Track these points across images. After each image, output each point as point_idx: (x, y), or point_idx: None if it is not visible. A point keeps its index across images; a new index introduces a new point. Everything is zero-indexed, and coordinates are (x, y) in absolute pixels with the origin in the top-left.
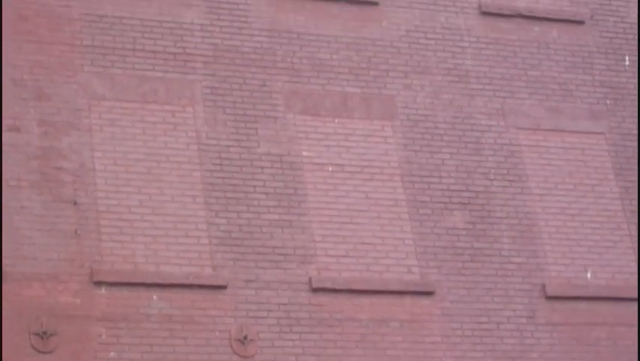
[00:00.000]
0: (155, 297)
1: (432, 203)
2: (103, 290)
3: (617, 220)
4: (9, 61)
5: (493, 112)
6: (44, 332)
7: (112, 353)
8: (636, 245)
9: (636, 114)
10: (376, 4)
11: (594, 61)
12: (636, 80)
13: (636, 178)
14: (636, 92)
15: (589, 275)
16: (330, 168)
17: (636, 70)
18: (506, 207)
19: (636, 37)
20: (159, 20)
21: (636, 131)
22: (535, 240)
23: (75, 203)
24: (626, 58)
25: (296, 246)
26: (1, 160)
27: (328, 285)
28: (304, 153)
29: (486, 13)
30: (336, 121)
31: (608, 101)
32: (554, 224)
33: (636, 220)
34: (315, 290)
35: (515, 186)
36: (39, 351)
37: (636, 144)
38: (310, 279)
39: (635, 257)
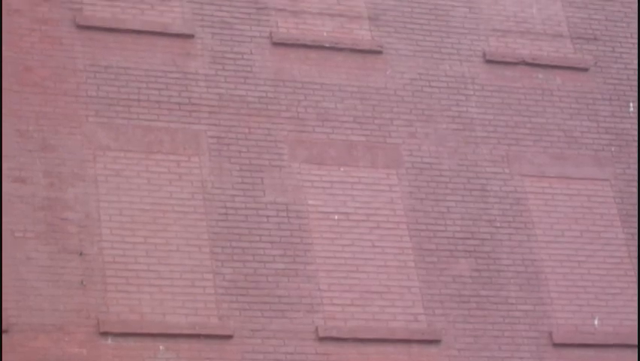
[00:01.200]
0: (161, 347)
1: (438, 251)
2: (109, 341)
3: (624, 267)
4: (14, 112)
5: (497, 159)
6: None
7: None
8: None
9: None
10: (380, 52)
11: (598, 108)
12: None
13: None
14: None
15: (596, 322)
16: (336, 217)
17: None
18: (512, 255)
19: None
20: (164, 70)
21: None
22: (541, 287)
23: (81, 254)
24: (631, 104)
25: (302, 295)
26: (1, 209)
27: (334, 334)
28: (310, 202)
29: (490, 61)
30: (342, 170)
31: (612, 148)
32: (561, 271)
33: None
34: (322, 339)
35: (521, 233)
36: None
37: None
38: (317, 328)
39: None
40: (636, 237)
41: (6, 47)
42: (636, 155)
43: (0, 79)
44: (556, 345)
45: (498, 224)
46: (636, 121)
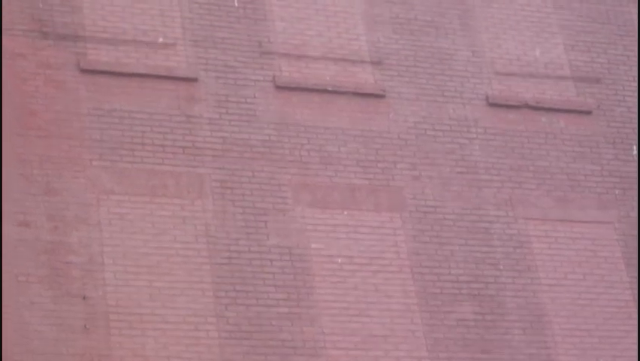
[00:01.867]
0: None
1: (442, 294)
2: None
3: (628, 310)
4: (18, 155)
5: (501, 202)
6: None
7: None
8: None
9: None
10: (383, 96)
11: (602, 150)
12: None
13: None
14: None
15: (537, 53)
16: (339, 260)
17: None
18: (516, 298)
19: None
20: (168, 114)
21: None
22: (545, 330)
23: (84, 298)
24: (634, 147)
25: (305, 338)
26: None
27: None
28: (313, 246)
29: (493, 105)
30: (345, 213)
31: (616, 191)
32: (564, 314)
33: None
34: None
35: (525, 276)
36: None
37: None
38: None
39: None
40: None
41: (10, 90)
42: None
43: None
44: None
45: (502, 267)
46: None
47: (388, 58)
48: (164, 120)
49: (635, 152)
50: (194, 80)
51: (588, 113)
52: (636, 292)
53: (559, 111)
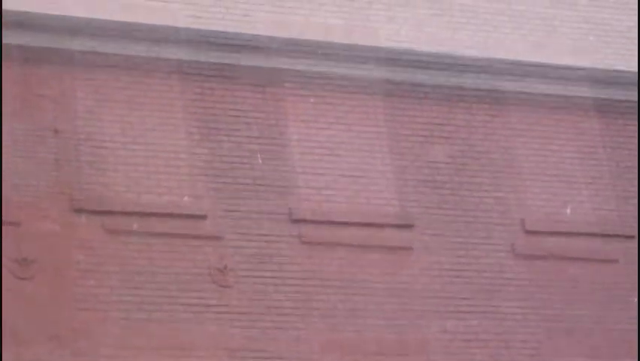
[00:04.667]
0: (135, 225)
1: (413, 136)
2: (83, 218)
3: (598, 157)
4: None
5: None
6: (24, 259)
7: (91, 281)
8: (616, 182)
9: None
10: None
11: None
12: None
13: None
14: None
15: (568, 211)
16: (312, 100)
17: None
18: (486, 142)
19: None
20: None
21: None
22: (514, 174)
23: (56, 131)
24: None
25: (276, 178)
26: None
27: (308, 216)
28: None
29: (519, 255)
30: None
31: (591, 37)
32: (534, 159)
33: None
34: (295, 221)
35: (496, 120)
36: (18, 278)
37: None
38: (290, 210)
39: (615, 193)
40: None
41: None
42: (614, 46)
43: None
44: (528, 232)
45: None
46: None
47: (414, 210)
48: None
49: None
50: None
51: (615, 261)
52: (607, 139)
53: (586, 261)
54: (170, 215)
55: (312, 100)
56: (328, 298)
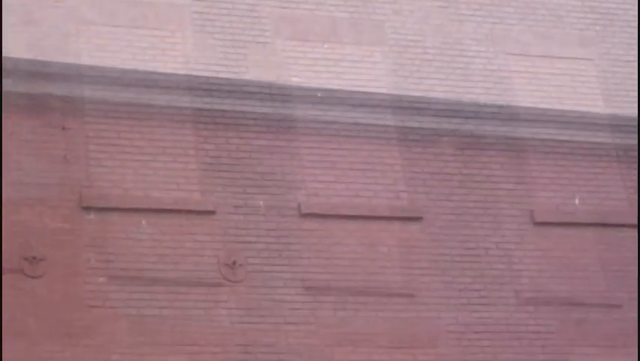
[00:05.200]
0: (144, 222)
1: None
2: (92, 215)
3: (606, 148)
4: None
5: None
6: (33, 257)
7: (101, 279)
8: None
9: (627, 41)
10: (413, 295)
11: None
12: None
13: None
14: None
15: (577, 202)
16: (319, 94)
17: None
18: (495, 133)
19: None
20: None
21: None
22: (523, 166)
23: (64, 128)
24: None
25: (285, 172)
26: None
27: (317, 210)
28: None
29: (523, 304)
30: (326, 46)
31: (597, 27)
32: (543, 150)
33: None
34: (304, 215)
35: (504, 112)
36: (28, 276)
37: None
38: (299, 205)
39: (623, 184)
40: (619, 117)
41: None
42: (621, 35)
43: None
44: (537, 224)
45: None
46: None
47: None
48: None
49: None
50: None
51: (619, 307)
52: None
53: (590, 306)
54: (179, 211)
55: (319, 94)
56: (338, 292)
